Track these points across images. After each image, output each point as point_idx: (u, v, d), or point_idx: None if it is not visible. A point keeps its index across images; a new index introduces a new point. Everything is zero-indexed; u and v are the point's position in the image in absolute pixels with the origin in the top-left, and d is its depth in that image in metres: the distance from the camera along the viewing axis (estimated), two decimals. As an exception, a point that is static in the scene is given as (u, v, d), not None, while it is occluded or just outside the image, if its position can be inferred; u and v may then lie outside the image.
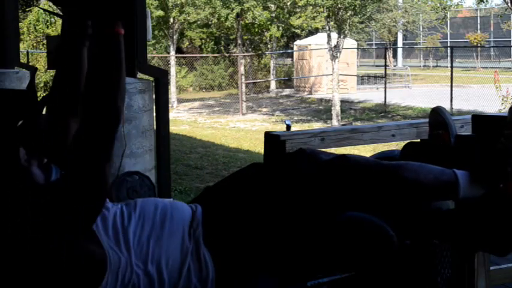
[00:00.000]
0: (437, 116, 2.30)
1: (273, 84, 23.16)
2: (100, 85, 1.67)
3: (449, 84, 15.37)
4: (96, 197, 1.70)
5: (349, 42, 20.59)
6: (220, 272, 1.86)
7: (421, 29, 31.18)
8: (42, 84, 18.79)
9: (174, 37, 20.65)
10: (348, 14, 14.35)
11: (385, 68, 19.63)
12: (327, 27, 14.69)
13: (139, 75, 4.33)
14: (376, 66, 30.29)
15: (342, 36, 14.47)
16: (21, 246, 1.66)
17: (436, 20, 26.09)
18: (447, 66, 21.93)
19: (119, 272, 1.76)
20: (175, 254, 1.83)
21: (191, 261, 1.84)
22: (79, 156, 1.67)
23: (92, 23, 1.71)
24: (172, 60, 20.35)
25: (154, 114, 4.26)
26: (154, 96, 4.30)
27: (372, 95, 19.41)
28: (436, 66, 30.42)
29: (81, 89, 1.84)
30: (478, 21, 31.66)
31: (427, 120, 2.55)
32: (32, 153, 1.82)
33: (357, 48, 24.77)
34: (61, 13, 2.03)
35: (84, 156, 1.67)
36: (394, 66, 29.49)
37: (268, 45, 23.68)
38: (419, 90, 20.87)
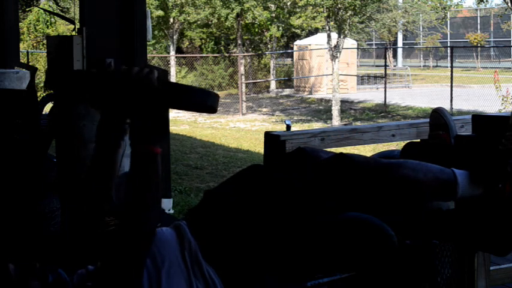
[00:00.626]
0: (438, 117, 2.30)
1: (273, 84, 23.16)
2: (138, 202, 1.69)
3: (449, 84, 15.37)
4: None
5: (349, 42, 20.59)
6: (225, 280, 1.85)
7: (421, 29, 31.17)
8: (42, 84, 18.80)
9: (174, 37, 20.66)
10: (348, 14, 14.36)
11: (385, 68, 19.63)
12: (327, 27, 14.69)
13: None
14: (376, 66, 30.29)
15: (342, 36, 14.47)
16: None
17: (436, 20, 26.08)
18: (447, 66, 21.94)
19: None
20: (179, 286, 1.81)
21: (197, 283, 1.83)
22: (111, 264, 1.69)
23: (133, 140, 1.71)
24: (172, 60, 20.35)
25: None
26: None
27: (372, 95, 19.41)
28: (436, 66, 30.42)
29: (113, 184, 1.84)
30: (478, 21, 31.65)
31: (427, 120, 2.56)
32: (22, 266, 1.79)
33: (357, 48, 24.77)
34: (61, 13, 2.02)
35: (117, 266, 1.68)
36: (394, 66, 29.49)
37: (268, 45, 23.68)
38: (419, 90, 20.88)
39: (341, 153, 2.00)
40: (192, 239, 1.88)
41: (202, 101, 1.75)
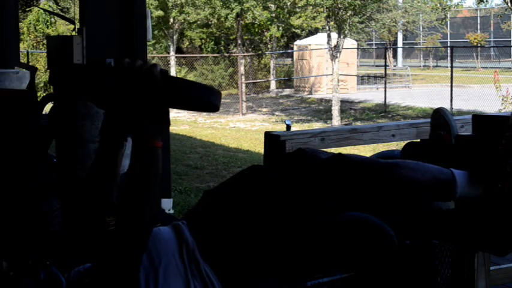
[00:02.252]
0: (439, 117, 2.30)
1: (273, 84, 23.16)
2: (137, 196, 1.68)
3: (449, 84, 15.37)
4: None
5: (349, 42, 20.59)
6: (223, 280, 1.85)
7: (421, 29, 31.18)
8: (42, 84, 18.80)
9: (174, 37, 20.66)
10: (348, 14, 14.35)
11: (385, 68, 19.63)
12: (327, 27, 14.69)
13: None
14: (376, 66, 30.29)
15: (342, 36, 14.47)
16: None
17: (436, 20, 26.09)
18: (447, 66, 21.95)
19: None
20: (177, 284, 1.81)
21: (195, 282, 1.83)
22: (109, 260, 1.69)
23: (135, 133, 1.71)
24: (172, 60, 20.35)
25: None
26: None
27: (372, 95, 19.41)
28: (436, 66, 30.42)
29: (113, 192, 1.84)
30: (478, 21, 31.66)
31: (427, 120, 2.56)
32: (15, 263, 1.80)
33: (357, 48, 24.77)
34: (61, 13, 2.02)
35: (114, 262, 1.68)
36: (394, 66, 29.49)
37: (268, 45, 23.68)
38: (419, 90, 20.88)
39: (339, 154, 2.00)
40: (191, 238, 1.88)
41: (206, 98, 1.74)
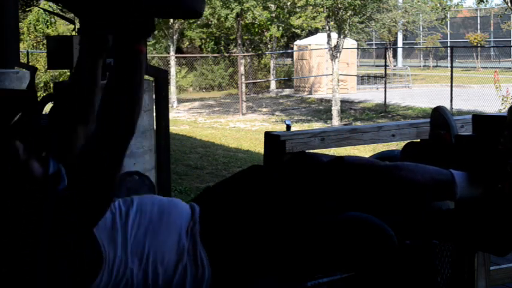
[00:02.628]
0: (439, 116, 2.30)
1: (273, 84, 23.16)
2: (121, 98, 1.68)
3: (449, 84, 15.37)
4: (102, 202, 1.71)
5: (349, 42, 20.59)
6: (216, 272, 1.85)
7: (421, 29, 31.17)
8: (42, 84, 18.80)
9: (174, 37, 20.65)
10: (348, 14, 14.35)
11: (385, 68, 19.63)
12: (327, 27, 14.68)
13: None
14: (376, 66, 30.29)
15: (342, 36, 14.47)
16: (17, 240, 1.67)
17: (436, 20, 26.09)
18: (447, 66, 21.94)
19: (113, 267, 1.76)
20: (171, 251, 1.83)
21: (187, 259, 1.84)
22: (90, 162, 1.68)
23: (117, 37, 1.71)
24: (172, 60, 20.35)
25: (155, 114, 4.26)
26: (154, 96, 4.30)
27: (372, 95, 19.41)
28: (436, 66, 30.42)
29: (95, 98, 1.84)
30: (478, 21, 31.65)
31: (427, 120, 2.55)
32: (29, 146, 1.82)
33: (357, 48, 24.77)
34: (61, 13, 2.03)
35: (96, 164, 1.68)
36: (394, 66, 29.49)
37: (268, 45, 23.67)
38: (419, 90, 20.88)
39: (340, 157, 2.01)
40: (198, 221, 1.90)
41: (188, 3, 1.72)
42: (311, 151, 2.24)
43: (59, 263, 1.68)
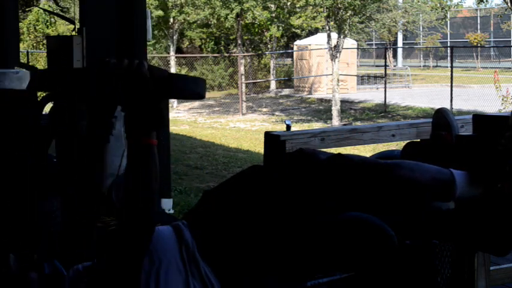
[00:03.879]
0: (441, 117, 2.30)
1: (273, 84, 23.15)
2: (137, 195, 1.67)
3: (449, 84, 15.37)
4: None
5: (349, 42, 20.58)
6: (224, 282, 1.85)
7: (421, 29, 31.17)
8: (42, 84, 18.77)
9: (174, 37, 20.65)
10: (348, 14, 14.35)
11: (385, 68, 19.63)
12: (327, 27, 14.68)
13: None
14: (376, 66, 30.28)
15: (341, 36, 14.47)
16: None
17: (436, 20, 26.08)
18: (447, 66, 21.94)
19: None
20: (177, 285, 1.81)
21: (194, 282, 1.82)
22: (110, 261, 1.69)
23: (127, 132, 1.70)
24: (172, 60, 20.35)
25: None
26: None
27: (372, 95, 19.41)
28: (436, 66, 30.42)
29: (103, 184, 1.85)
30: (478, 21, 31.65)
31: (427, 120, 2.56)
32: (21, 258, 1.80)
33: (357, 48, 24.77)
34: (61, 13, 2.03)
35: (115, 263, 1.68)
36: (394, 66, 29.48)
37: (268, 45, 23.67)
38: (419, 90, 20.87)
39: (339, 154, 2.00)
40: (191, 238, 1.87)
41: (193, 89, 1.76)
42: (309, 148, 2.23)
43: None
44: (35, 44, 19.88)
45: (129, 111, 1.69)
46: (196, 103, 20.03)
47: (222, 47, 26.05)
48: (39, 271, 1.79)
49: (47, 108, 3.77)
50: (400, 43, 31.41)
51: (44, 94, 3.23)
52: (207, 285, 1.83)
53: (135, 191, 1.67)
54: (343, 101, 16.41)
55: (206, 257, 1.86)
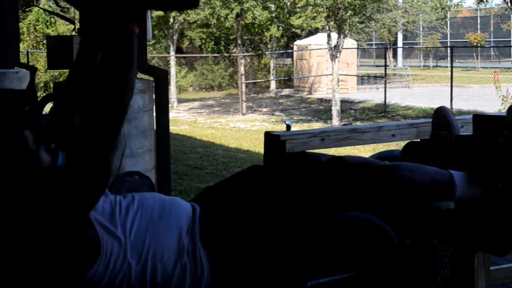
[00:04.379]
0: (441, 116, 2.30)
1: (273, 84, 23.16)
2: (112, 79, 1.67)
3: (449, 84, 15.37)
4: (98, 184, 1.69)
5: (349, 42, 20.59)
6: (215, 272, 1.85)
7: (421, 29, 31.17)
8: (42, 84, 18.80)
9: (174, 37, 20.66)
10: (348, 14, 14.35)
11: (385, 68, 19.63)
12: (327, 27, 14.68)
13: (140, 75, 4.33)
14: (376, 66, 30.29)
15: (342, 36, 14.47)
16: (19, 226, 1.67)
17: (436, 20, 26.09)
18: (447, 66, 21.94)
19: (111, 259, 1.75)
20: (171, 249, 1.83)
21: (187, 259, 1.83)
22: (84, 143, 1.67)
23: (109, 18, 1.69)
24: (172, 60, 20.35)
25: (154, 114, 4.26)
26: (154, 96, 4.30)
27: (372, 95, 19.41)
28: (436, 66, 30.42)
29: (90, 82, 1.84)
30: (478, 21, 31.65)
31: (427, 120, 2.55)
32: (39, 137, 1.82)
33: (357, 48, 24.77)
34: (61, 13, 2.03)
35: (90, 144, 1.67)
36: (394, 66, 29.49)
37: (268, 45, 23.67)
38: (419, 90, 20.88)
39: (339, 157, 2.01)
40: (198, 221, 1.90)
41: None
42: (311, 151, 2.24)
43: (55, 244, 1.67)
44: (35, 44, 19.88)
45: None
46: (196, 103, 20.04)
47: (222, 47, 26.05)
48: (52, 157, 1.80)
49: (47, 108, 3.77)
50: (400, 43, 31.41)
51: (44, 94, 3.23)
52: (197, 266, 1.84)
53: (111, 74, 1.67)
54: (343, 101, 16.42)
55: (205, 243, 1.87)
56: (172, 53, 20.60)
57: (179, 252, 1.83)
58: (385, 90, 17.18)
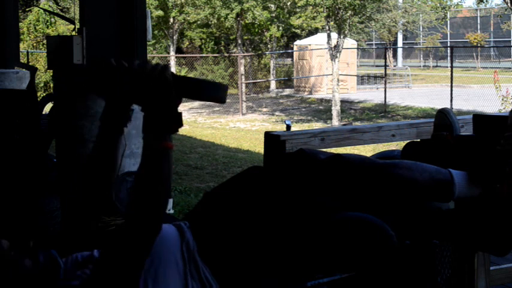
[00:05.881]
0: (443, 117, 2.30)
1: (273, 84, 23.16)
2: (149, 195, 1.66)
3: (449, 84, 15.37)
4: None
5: (349, 42, 20.59)
6: (223, 284, 1.85)
7: (421, 29, 31.18)
8: (42, 84, 18.79)
9: (174, 37, 20.66)
10: (348, 14, 14.35)
11: (385, 68, 19.63)
12: (327, 27, 14.68)
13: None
14: (376, 66, 30.30)
15: (342, 36, 14.47)
16: None
17: (436, 20, 26.09)
18: (447, 66, 21.95)
19: None
20: (175, 284, 1.81)
21: (193, 283, 1.82)
22: (111, 261, 1.68)
23: (145, 134, 1.70)
24: (172, 60, 20.35)
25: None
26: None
27: (372, 95, 19.41)
28: (436, 66, 30.43)
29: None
30: (478, 21, 31.66)
31: (427, 120, 2.56)
32: (15, 244, 1.79)
33: (357, 48, 24.77)
34: (61, 13, 2.04)
35: (117, 263, 1.67)
36: (394, 66, 29.49)
37: (268, 45, 23.67)
38: (419, 90, 20.88)
39: (338, 154, 2.00)
40: (192, 239, 1.87)
41: (213, 94, 1.76)
42: (308, 148, 2.23)
43: None
44: (35, 44, 19.87)
45: (149, 113, 1.68)
46: (196, 103, 20.03)
47: (222, 47, 26.05)
48: (33, 259, 1.78)
49: (47, 108, 3.77)
50: (400, 43, 31.42)
51: (44, 94, 3.23)
52: (204, 285, 1.83)
53: (146, 193, 1.66)
54: (343, 101, 16.42)
55: (206, 258, 1.86)
56: (172, 53, 20.60)
57: (184, 282, 1.81)
58: (385, 90, 17.18)
